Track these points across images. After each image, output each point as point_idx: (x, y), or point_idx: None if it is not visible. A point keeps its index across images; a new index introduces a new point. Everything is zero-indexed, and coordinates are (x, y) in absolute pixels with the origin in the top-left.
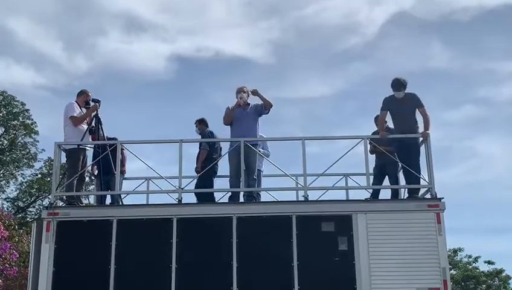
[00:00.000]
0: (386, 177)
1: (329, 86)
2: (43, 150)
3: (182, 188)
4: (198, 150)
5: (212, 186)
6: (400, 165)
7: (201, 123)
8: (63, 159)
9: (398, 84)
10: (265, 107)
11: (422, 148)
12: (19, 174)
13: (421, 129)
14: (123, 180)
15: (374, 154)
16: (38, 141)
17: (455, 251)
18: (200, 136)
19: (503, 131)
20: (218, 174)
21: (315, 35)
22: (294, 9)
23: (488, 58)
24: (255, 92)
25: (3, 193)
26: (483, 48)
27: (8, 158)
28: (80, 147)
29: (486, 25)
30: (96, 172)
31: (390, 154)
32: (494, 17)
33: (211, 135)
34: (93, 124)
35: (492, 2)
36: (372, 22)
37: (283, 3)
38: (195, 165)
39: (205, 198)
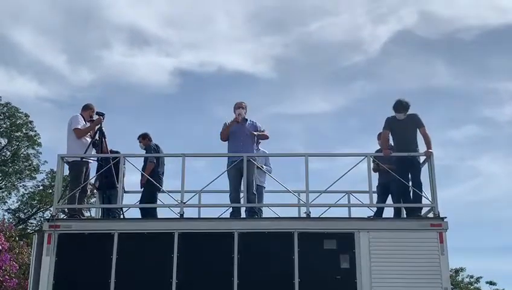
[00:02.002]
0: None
1: (332, 102)
2: (45, 161)
3: (184, 203)
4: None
5: (155, 202)
6: (402, 183)
7: (145, 138)
8: (66, 172)
9: (399, 106)
10: (262, 138)
11: (425, 168)
12: (20, 186)
13: (420, 149)
14: (124, 194)
15: (377, 173)
16: (41, 153)
17: (457, 271)
18: (144, 151)
19: (505, 150)
20: (220, 189)
21: (318, 52)
22: (298, 26)
23: (491, 78)
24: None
25: (4, 204)
26: (486, 68)
27: (11, 169)
28: (83, 159)
29: (489, 44)
30: (97, 184)
31: (394, 172)
32: (496, 37)
33: (157, 148)
34: (96, 137)
35: (494, 22)
36: (375, 39)
37: (287, 19)
38: (141, 179)
39: (149, 214)
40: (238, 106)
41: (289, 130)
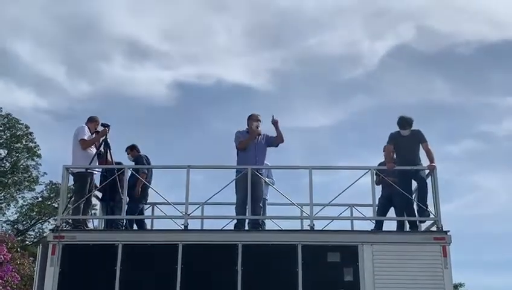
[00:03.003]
0: (392, 208)
1: (331, 116)
2: (44, 173)
3: (188, 214)
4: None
5: (139, 213)
6: (405, 196)
7: (133, 149)
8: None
9: (404, 122)
10: (276, 141)
11: (428, 181)
12: (19, 197)
13: (423, 164)
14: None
15: (380, 185)
16: (40, 164)
17: (455, 286)
18: (133, 163)
19: (504, 165)
20: (221, 201)
21: (317, 66)
22: (296, 40)
23: (489, 93)
24: (276, 123)
25: (3, 215)
26: (485, 83)
27: (10, 181)
28: (88, 170)
29: (488, 59)
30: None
31: (397, 185)
32: (495, 52)
33: (147, 159)
34: (101, 148)
35: (492, 37)
36: (374, 54)
37: (286, 34)
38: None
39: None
40: (256, 119)
41: (288, 143)
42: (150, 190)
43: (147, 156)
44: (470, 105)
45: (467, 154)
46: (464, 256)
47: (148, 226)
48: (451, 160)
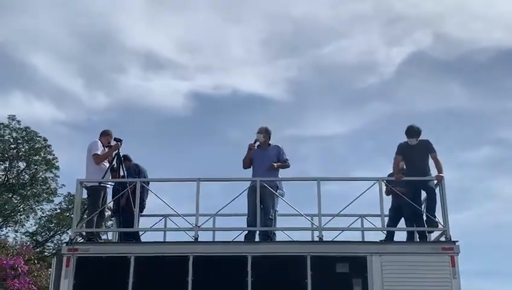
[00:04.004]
0: (402, 219)
1: (347, 124)
2: (63, 185)
3: (199, 227)
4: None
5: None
6: (415, 207)
7: (125, 160)
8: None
9: (412, 132)
10: (282, 168)
11: (437, 191)
12: (38, 209)
13: (432, 174)
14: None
15: (390, 196)
16: (58, 176)
17: None
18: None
19: None
20: (237, 213)
21: (332, 74)
22: (312, 48)
23: (506, 99)
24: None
25: (22, 227)
26: (501, 89)
27: (29, 193)
28: (101, 184)
29: (504, 65)
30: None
31: (406, 196)
32: (511, 59)
33: (136, 167)
34: (114, 162)
35: (509, 44)
36: (390, 61)
37: (301, 42)
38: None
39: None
40: (257, 132)
41: (304, 152)
42: (147, 199)
43: (137, 165)
44: (487, 111)
45: (484, 161)
46: (484, 264)
47: (161, 238)
48: (469, 167)
